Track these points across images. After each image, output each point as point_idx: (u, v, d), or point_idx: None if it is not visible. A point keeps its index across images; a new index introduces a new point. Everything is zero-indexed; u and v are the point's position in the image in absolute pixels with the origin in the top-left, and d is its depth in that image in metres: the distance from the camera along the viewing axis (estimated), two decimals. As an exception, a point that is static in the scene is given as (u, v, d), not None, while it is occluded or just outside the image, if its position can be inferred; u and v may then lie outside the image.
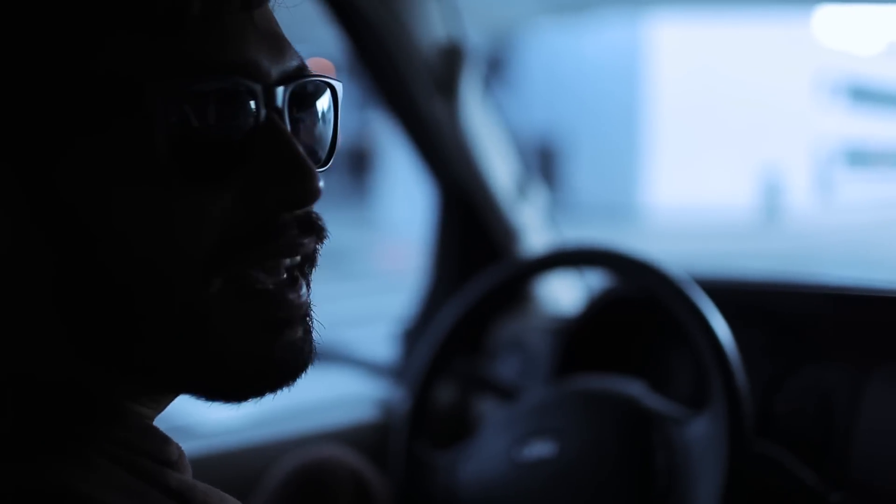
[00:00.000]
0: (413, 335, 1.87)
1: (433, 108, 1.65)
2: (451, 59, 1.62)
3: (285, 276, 0.57)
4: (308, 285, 0.59)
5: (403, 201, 16.78)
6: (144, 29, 0.51)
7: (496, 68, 29.13)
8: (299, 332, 0.57)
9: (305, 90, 0.59)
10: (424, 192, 1.89)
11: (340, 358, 1.97)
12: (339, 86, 0.61)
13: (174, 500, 0.55)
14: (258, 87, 0.54)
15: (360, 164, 26.16)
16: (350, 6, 1.53)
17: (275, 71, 0.56)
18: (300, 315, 0.58)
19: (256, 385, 0.57)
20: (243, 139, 0.54)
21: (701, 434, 1.17)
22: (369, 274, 12.56)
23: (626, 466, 1.21)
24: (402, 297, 2.17)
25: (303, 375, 0.59)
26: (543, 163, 28.72)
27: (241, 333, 0.54)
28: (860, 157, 34.17)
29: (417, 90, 1.63)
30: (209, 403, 0.58)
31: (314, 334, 0.59)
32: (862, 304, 1.32)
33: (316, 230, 0.58)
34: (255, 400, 0.58)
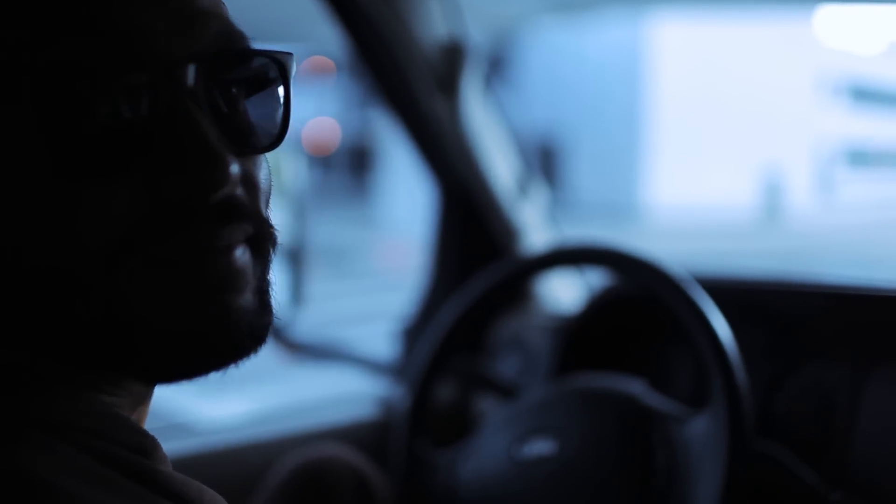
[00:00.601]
0: (413, 333, 1.87)
1: (434, 106, 1.65)
2: (452, 57, 1.62)
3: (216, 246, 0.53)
4: (264, 259, 0.57)
5: (404, 199, 16.79)
6: (29, 20, 0.48)
7: (497, 67, 29.12)
8: (239, 301, 0.54)
9: (241, 67, 0.55)
10: (425, 190, 1.89)
11: (341, 356, 1.97)
12: (286, 59, 0.57)
13: (146, 488, 0.52)
14: (155, 68, 0.50)
15: (360, 163, 26.16)
16: (351, 3, 1.53)
17: (183, 47, 0.51)
18: (238, 281, 0.54)
19: (197, 357, 0.54)
20: (143, 125, 0.50)
21: (701, 433, 1.17)
22: (369, 272, 12.57)
23: (626, 465, 1.21)
24: (402, 296, 2.17)
25: (249, 349, 0.55)
26: (544, 161, 28.73)
27: (168, 306, 0.51)
28: (861, 157, 34.16)
29: (419, 88, 1.63)
30: (160, 384, 0.56)
31: (269, 309, 0.57)
32: (862, 304, 1.32)
33: (247, 215, 0.55)
34: (201, 375, 0.55)
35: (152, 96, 0.50)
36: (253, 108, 0.56)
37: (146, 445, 0.55)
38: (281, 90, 0.58)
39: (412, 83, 1.62)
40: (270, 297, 0.57)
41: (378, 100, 1.72)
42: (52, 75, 0.48)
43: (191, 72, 0.51)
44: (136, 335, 0.52)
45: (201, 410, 4.90)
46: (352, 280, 10.72)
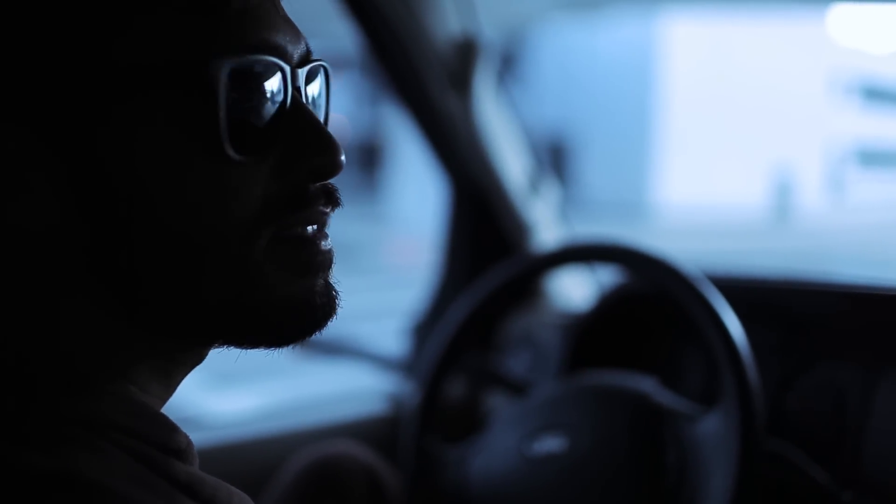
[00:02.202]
0: (424, 330, 1.87)
1: (447, 102, 1.65)
2: (465, 54, 1.62)
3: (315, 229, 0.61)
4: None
5: (415, 196, 16.78)
6: (192, 9, 0.54)
7: (510, 64, 29.09)
8: (330, 278, 0.62)
9: (315, 72, 0.63)
10: (436, 186, 1.89)
11: (351, 352, 1.97)
12: (328, 65, 0.65)
13: (181, 492, 0.54)
14: (288, 68, 0.58)
15: (371, 159, 26.15)
16: (366, 0, 1.53)
17: (295, 54, 0.60)
18: (329, 262, 0.61)
19: (299, 326, 0.60)
20: (275, 115, 0.58)
21: (712, 431, 1.17)
22: (380, 269, 12.56)
23: (636, 462, 1.21)
24: (413, 292, 2.18)
25: (326, 323, 0.62)
26: (555, 159, 28.67)
27: (287, 278, 0.58)
28: (872, 157, 34.01)
29: (431, 85, 1.63)
30: (255, 349, 0.60)
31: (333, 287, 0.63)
32: (874, 304, 1.32)
33: (334, 201, 0.62)
34: (297, 342, 0.61)
35: (284, 92, 0.58)
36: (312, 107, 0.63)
37: (180, 444, 0.57)
38: (321, 90, 0.65)
39: (425, 80, 1.62)
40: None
41: (390, 96, 1.72)
42: (231, 73, 0.55)
43: (301, 74, 0.60)
44: (265, 304, 0.58)
45: (211, 405, 4.91)
46: (362, 276, 10.72)
